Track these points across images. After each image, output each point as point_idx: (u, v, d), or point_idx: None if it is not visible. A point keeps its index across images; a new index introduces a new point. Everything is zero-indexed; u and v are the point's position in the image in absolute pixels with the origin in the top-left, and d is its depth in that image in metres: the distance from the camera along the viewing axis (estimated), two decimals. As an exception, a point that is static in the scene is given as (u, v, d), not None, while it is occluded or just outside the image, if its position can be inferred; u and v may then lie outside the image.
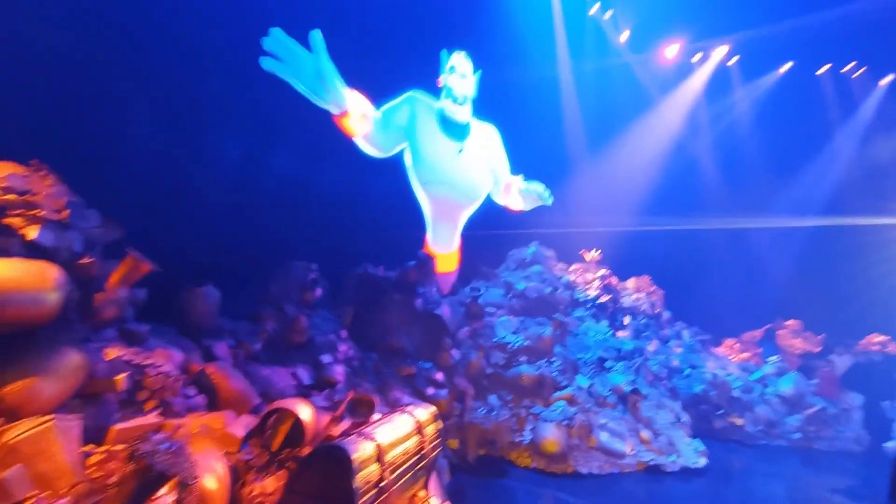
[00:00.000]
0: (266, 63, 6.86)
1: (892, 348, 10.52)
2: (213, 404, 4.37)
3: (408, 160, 9.04)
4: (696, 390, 9.26)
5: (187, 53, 6.98)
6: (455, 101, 8.74)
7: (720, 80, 13.23)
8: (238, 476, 3.38)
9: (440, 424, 4.04)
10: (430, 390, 6.52)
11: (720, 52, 13.00)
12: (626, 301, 10.65)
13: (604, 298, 10.33)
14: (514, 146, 10.45)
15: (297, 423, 3.80)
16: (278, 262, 7.12)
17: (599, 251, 11.23)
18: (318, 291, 6.81)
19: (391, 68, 8.67)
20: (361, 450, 3.15)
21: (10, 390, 2.79)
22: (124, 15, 6.38)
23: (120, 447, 3.00)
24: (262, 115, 8.03)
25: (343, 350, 6.58)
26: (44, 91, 5.73)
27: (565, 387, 7.29)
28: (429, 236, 9.53)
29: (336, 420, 4.40)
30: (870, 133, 13.13)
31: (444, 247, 9.41)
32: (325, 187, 9.22)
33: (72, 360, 3.05)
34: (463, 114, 8.95)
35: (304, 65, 7.13)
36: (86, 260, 3.39)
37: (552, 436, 6.71)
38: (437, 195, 9.28)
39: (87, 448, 2.85)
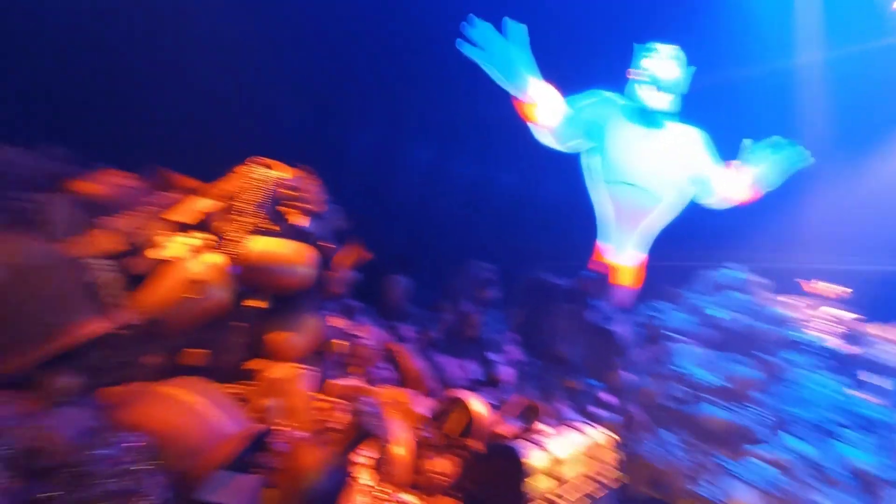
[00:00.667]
0: (465, 48, 6.89)
1: None
2: (400, 380, 4.98)
3: (595, 163, 8.35)
4: None
5: (395, 70, 8.10)
6: (659, 86, 7.56)
7: None
8: (419, 450, 3.76)
9: (620, 455, 3.74)
10: (596, 410, 6.11)
11: None
12: (873, 353, 8.03)
13: (834, 344, 8.01)
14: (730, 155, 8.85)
15: (471, 414, 4.02)
16: (459, 259, 7.68)
17: (832, 286, 8.76)
18: (492, 291, 7.09)
19: (581, 64, 8.34)
20: (535, 457, 3.14)
21: (274, 337, 3.67)
22: (354, 41, 7.69)
23: (338, 400, 3.66)
24: (449, 122, 8.77)
25: (510, 351, 6.72)
26: (298, 107, 7.41)
27: (766, 443, 5.93)
28: (606, 245, 8.79)
29: (503, 420, 4.51)
30: None
31: (625, 258, 8.46)
32: (505, 190, 9.54)
33: (314, 323, 3.86)
34: (660, 100, 7.70)
35: (498, 51, 6.98)
36: (328, 244, 4.24)
37: (744, 499, 5.54)
38: (623, 198, 8.29)
39: (318, 395, 3.56)
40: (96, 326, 2.76)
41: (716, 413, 6.31)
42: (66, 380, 2.56)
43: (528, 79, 7.60)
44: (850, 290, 8.60)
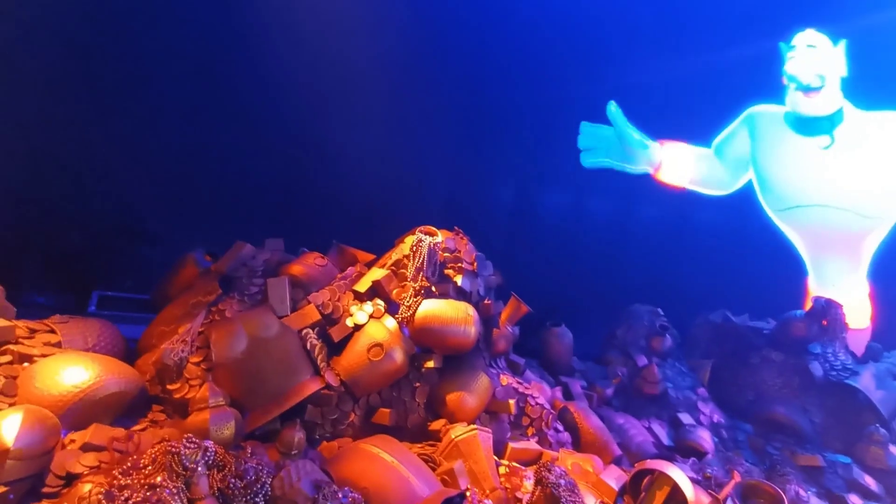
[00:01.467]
0: (584, 159, 7.35)
1: None
2: (576, 443, 4.49)
3: (757, 187, 7.24)
4: None
5: (534, 126, 8.26)
6: (804, 89, 6.33)
7: None
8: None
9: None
10: (856, 499, 4.52)
11: None
12: None
13: None
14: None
15: (678, 492, 3.33)
16: (619, 304, 6.98)
17: None
18: (668, 339, 6.15)
19: (724, 86, 7.35)
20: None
21: (450, 398, 3.70)
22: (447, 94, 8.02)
23: (519, 466, 3.44)
24: (582, 170, 8.42)
25: (705, 412, 5.59)
26: (443, 174, 7.95)
27: None
28: (811, 279, 7.09)
29: (718, 502, 3.64)
30: None
31: (839, 292, 6.67)
32: (659, 225, 8.57)
33: (484, 381, 3.81)
34: (822, 101, 6.34)
35: (608, 141, 7.25)
36: (487, 301, 4.25)
37: None
38: (806, 224, 6.84)
39: (499, 459, 3.40)
40: (313, 386, 3.18)
41: None
42: (298, 434, 2.95)
43: (648, 151, 7.25)
44: None
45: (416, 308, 3.74)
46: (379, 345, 3.49)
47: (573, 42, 7.67)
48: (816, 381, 5.38)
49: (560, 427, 4.40)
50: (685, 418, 5.33)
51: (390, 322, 3.66)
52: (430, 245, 3.87)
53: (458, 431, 3.39)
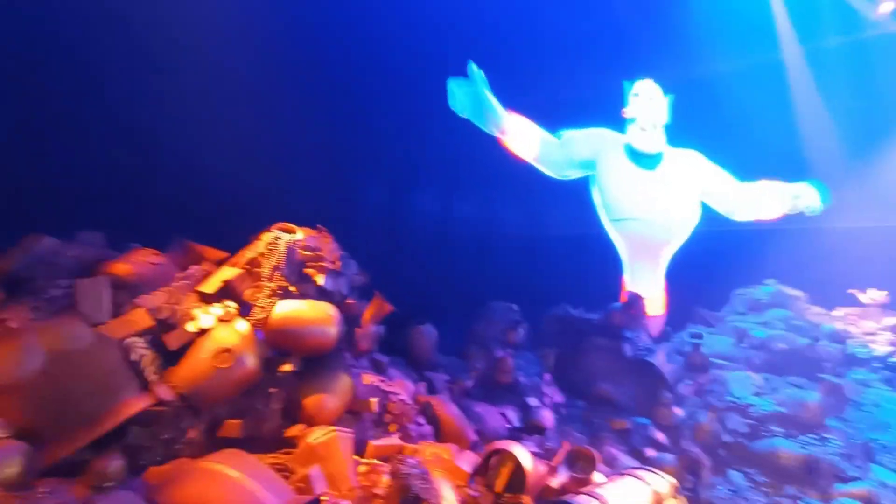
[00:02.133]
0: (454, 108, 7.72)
1: None
2: (438, 434, 4.73)
3: (596, 198, 8.68)
4: None
5: (400, 126, 8.48)
6: (642, 130, 8.09)
7: None
8: (468, 510, 3.48)
9: (684, 501, 3.40)
10: (651, 452, 5.67)
11: None
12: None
13: (901, 355, 7.43)
14: (729, 168, 8.87)
15: (519, 467, 3.75)
16: (481, 302, 7.57)
17: (885, 292, 8.28)
18: (521, 332, 6.88)
19: (575, 105, 8.65)
20: (596, 511, 2.86)
21: (309, 401, 3.57)
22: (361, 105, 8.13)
23: (378, 462, 3.48)
24: (455, 169, 9.01)
25: (549, 394, 6.39)
26: (311, 171, 7.71)
27: (855, 479, 5.33)
28: (626, 277, 8.73)
29: (553, 470, 4.20)
30: None
31: (645, 289, 8.43)
32: (518, 228, 9.58)
33: (345, 382, 3.76)
34: (652, 143, 8.18)
35: (465, 95, 7.81)
36: (350, 301, 4.22)
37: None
38: (631, 233, 8.52)
39: (356, 458, 3.39)
40: (138, 404, 2.74)
41: (787, 447, 5.76)
42: (113, 463, 2.51)
43: (498, 115, 8.10)
44: (886, 292, 8.16)
45: (272, 309, 3.52)
46: (228, 350, 3.19)
47: (440, 40, 8.06)
48: (626, 360, 6.59)
49: (422, 421, 4.58)
50: (532, 401, 6.02)
51: (242, 325, 3.38)
52: (288, 243, 3.69)
53: (317, 435, 3.29)
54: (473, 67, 7.62)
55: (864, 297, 8.36)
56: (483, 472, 3.90)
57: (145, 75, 5.85)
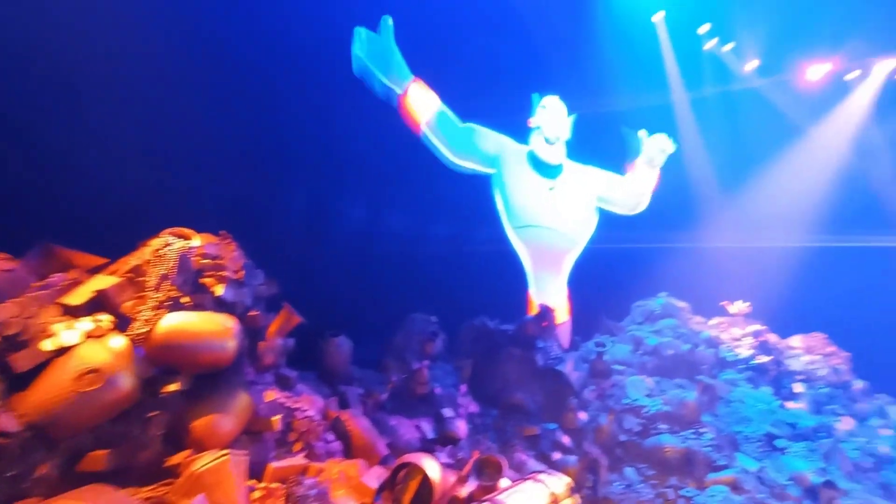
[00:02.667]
0: (354, 63, 7.52)
1: None
2: (348, 451, 4.57)
3: (499, 205, 9.01)
4: (925, 490, 6.93)
5: (320, 132, 8.24)
6: (547, 141, 8.70)
7: (893, 96, 11.09)
8: (372, 529, 3.38)
9: (578, 500, 3.61)
10: (557, 455, 5.97)
11: (885, 67, 11.02)
12: (795, 364, 8.78)
13: (762, 359, 8.67)
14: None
15: (426, 480, 3.73)
16: (399, 314, 7.53)
17: (748, 303, 9.63)
18: (438, 343, 6.93)
19: (484, 111, 9.03)
20: (496, 518, 2.93)
21: (198, 424, 3.25)
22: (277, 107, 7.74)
23: (276, 485, 3.25)
24: (379, 183, 8.95)
25: (464, 404, 6.49)
26: (220, 173, 7.19)
27: (724, 467, 6.07)
28: (532, 290, 9.16)
29: (462, 480, 4.24)
30: None
31: (549, 298, 8.97)
32: (438, 245, 9.71)
33: (243, 401, 3.49)
34: (554, 155, 8.82)
35: (373, 44, 7.66)
36: (253, 313, 3.95)
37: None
38: (533, 241, 8.98)
39: (251, 483, 3.14)
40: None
41: (671, 442, 6.41)
42: None
43: (405, 72, 7.94)
44: (749, 303, 9.55)
45: (158, 322, 3.17)
46: (95, 370, 2.80)
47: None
48: (538, 369, 6.92)
49: (331, 437, 4.40)
50: (447, 412, 6.06)
51: (117, 341, 2.99)
52: (181, 250, 3.36)
53: (204, 461, 3.00)
54: (388, 21, 7.53)
55: (732, 308, 9.67)
56: (391, 486, 3.83)
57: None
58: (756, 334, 9.01)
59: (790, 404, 7.89)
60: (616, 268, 10.43)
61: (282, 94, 7.56)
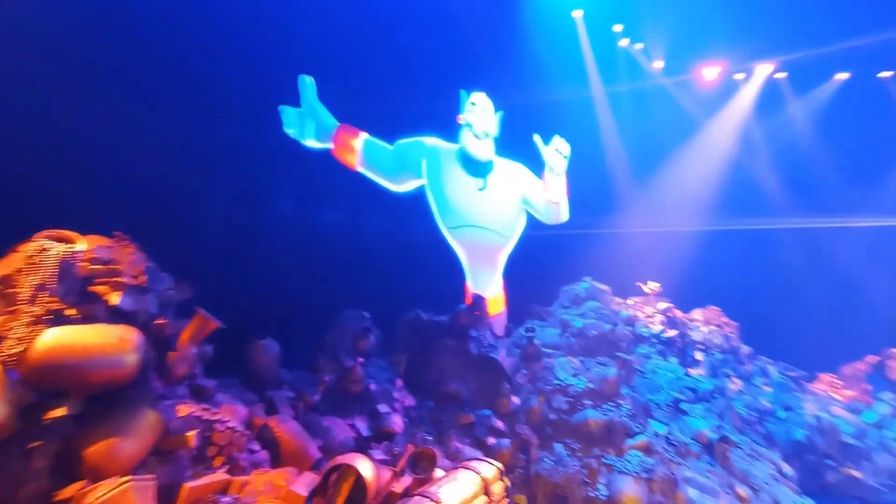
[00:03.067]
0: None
1: None
2: (276, 459, 4.36)
3: (433, 208, 9.16)
4: (798, 437, 8.11)
5: (240, 128, 7.69)
6: (476, 136, 8.89)
7: (772, 95, 12.64)
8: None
9: (507, 482, 3.75)
10: (491, 440, 6.17)
11: (765, 69, 12.52)
12: (696, 335, 9.81)
13: (670, 333, 9.57)
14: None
15: (359, 479, 3.67)
16: (333, 312, 7.28)
17: (658, 283, 10.57)
18: (372, 339, 6.82)
19: (411, 111, 9.00)
20: (428, 511, 2.95)
21: (93, 451, 2.90)
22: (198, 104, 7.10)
23: (191, 508, 3.01)
24: (308, 179, 8.56)
25: (400, 399, 6.46)
26: (129, 170, 6.46)
27: (639, 433, 6.64)
28: (469, 282, 9.40)
29: (397, 476, 4.23)
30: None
31: (486, 290, 9.26)
32: (371, 239, 9.50)
33: (149, 419, 3.17)
34: (484, 151, 9.05)
35: (300, 121, 8.04)
36: (160, 321, 3.59)
37: (631, 491, 6.04)
38: (467, 240, 9.24)
39: (161, 509, 2.88)
40: None
41: (594, 416, 6.87)
42: None
43: (329, 126, 8.15)
44: (659, 283, 10.53)
45: (36, 340, 2.76)
46: (-49, 401, 2.38)
47: (281, 40, 7.61)
48: (472, 358, 7.08)
49: (256, 447, 4.16)
50: (382, 408, 6.00)
51: (-21, 365, 2.57)
52: (62, 255, 2.94)
53: (102, 492, 2.68)
54: (307, 80, 7.88)
55: (646, 288, 10.56)
56: (322, 491, 3.72)
57: None
58: (665, 311, 9.93)
59: (692, 371, 8.84)
60: (544, 255, 10.90)
61: (198, 79, 6.91)
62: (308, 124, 8.00)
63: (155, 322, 3.61)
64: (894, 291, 11.52)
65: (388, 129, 8.75)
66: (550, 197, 9.34)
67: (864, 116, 11.93)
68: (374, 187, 8.59)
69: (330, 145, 8.26)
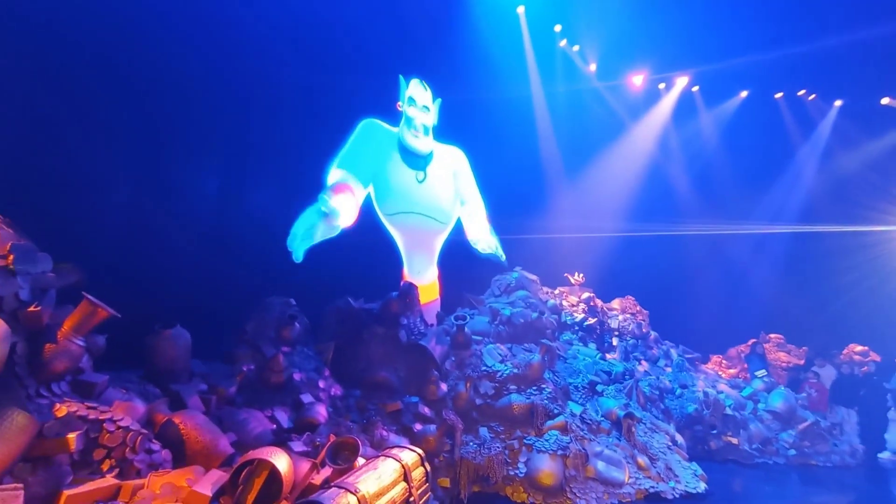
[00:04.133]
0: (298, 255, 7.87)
1: (872, 357, 10.64)
2: (181, 458, 4.02)
3: (371, 193, 9.02)
4: (690, 410, 9.10)
5: (155, 93, 6.90)
6: (415, 130, 8.87)
7: (687, 105, 13.81)
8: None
9: (428, 467, 3.78)
10: (418, 426, 6.20)
11: (682, 81, 13.62)
12: (613, 323, 10.57)
13: (590, 321, 10.21)
14: (487, 170, 10.58)
15: (274, 473, 3.49)
16: (256, 299, 6.84)
17: (582, 274, 11.21)
18: (297, 327, 6.51)
19: (348, 95, 8.69)
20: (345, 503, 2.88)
21: (-62, 461, 2.46)
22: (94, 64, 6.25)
23: (67, 518, 2.67)
24: (233, 155, 7.95)
25: (326, 388, 6.26)
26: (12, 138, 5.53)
27: (558, 414, 7.04)
28: (405, 269, 9.39)
29: (317, 467, 4.09)
30: (829, 148, 13.84)
31: (422, 277, 9.31)
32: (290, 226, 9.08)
33: (16, 421, 2.74)
34: (423, 144, 9.06)
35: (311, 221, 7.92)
36: (33, 308, 3.12)
37: (547, 468, 6.41)
38: (405, 226, 9.23)
39: (28, 523, 2.52)
40: None
41: (518, 399, 7.16)
42: None
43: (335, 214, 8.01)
44: (582, 274, 11.23)
45: None
46: None
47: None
48: (402, 345, 7.03)
49: (156, 446, 3.80)
50: (306, 398, 5.78)
51: None
52: None
53: (-52, 506, 2.29)
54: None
55: (572, 279, 11.16)
56: (232, 489, 3.49)
57: None
58: (587, 300, 10.57)
59: (608, 356, 9.52)
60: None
61: (107, 55, 6.06)
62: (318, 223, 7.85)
63: (28, 310, 3.12)
64: (770, 284, 13.26)
65: (326, 111, 8.35)
66: (473, 234, 9.73)
67: (759, 131, 13.50)
68: (299, 170, 8.14)
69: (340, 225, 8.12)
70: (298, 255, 7.85)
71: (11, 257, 2.98)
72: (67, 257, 4.03)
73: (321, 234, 8.06)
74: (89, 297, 3.52)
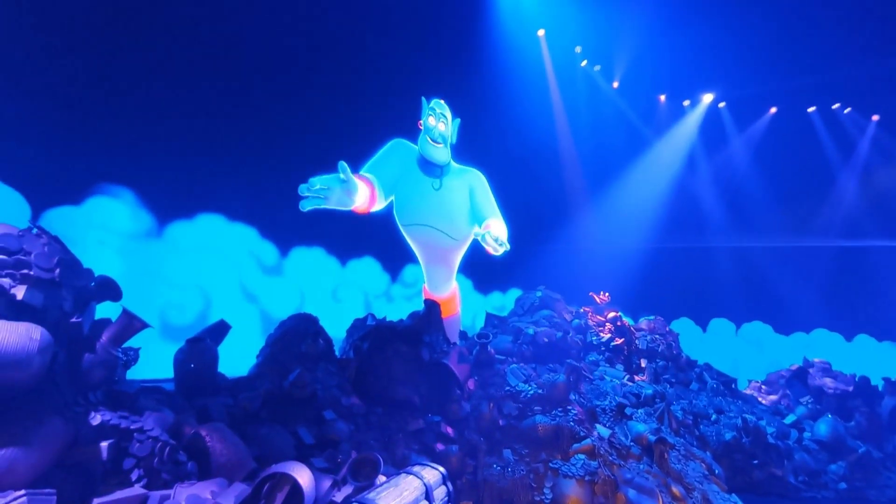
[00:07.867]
0: (304, 204, 7.47)
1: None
2: (206, 470, 4.07)
3: (392, 204, 9.17)
4: (727, 438, 8.60)
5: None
6: (433, 139, 9.02)
7: (712, 122, 13.60)
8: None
9: (450, 486, 3.70)
10: (440, 446, 6.08)
11: (707, 98, 13.47)
12: (641, 343, 10.21)
13: (617, 341, 9.91)
14: (508, 190, 10.59)
15: (295, 488, 3.49)
16: (280, 315, 6.99)
17: (608, 293, 10.97)
18: (321, 343, 6.58)
19: (377, 117, 8.98)
20: (364, 520, 2.84)
21: (-19, 465, 2.58)
22: None
23: (96, 526, 2.73)
24: (267, 178, 8.23)
25: (347, 405, 6.25)
26: None
27: (584, 437, 6.78)
28: (426, 285, 9.40)
29: (338, 484, 4.07)
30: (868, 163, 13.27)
31: (440, 291, 9.29)
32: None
33: (53, 428, 2.86)
34: (441, 153, 9.18)
35: (334, 189, 7.73)
36: (75, 319, 3.27)
37: (574, 494, 6.13)
38: (423, 238, 9.26)
39: (60, 528, 2.59)
40: None
41: (543, 421, 6.95)
42: None
43: (357, 193, 8.08)
44: (607, 293, 10.97)
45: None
46: None
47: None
48: (424, 364, 6.98)
49: (183, 458, 3.86)
50: (329, 415, 5.78)
51: None
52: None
53: (-11, 508, 2.38)
54: (343, 164, 7.65)
55: (597, 298, 10.91)
56: (254, 502, 3.50)
57: None
58: (614, 320, 10.28)
59: (637, 378, 9.17)
60: (505, 264, 11.05)
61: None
62: (344, 195, 7.84)
63: (71, 321, 3.28)
64: (814, 306, 12.59)
65: (350, 132, 8.66)
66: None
67: (792, 146, 13.10)
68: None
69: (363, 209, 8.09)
70: (304, 203, 7.45)
71: (58, 271, 3.15)
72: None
73: (335, 200, 7.76)
74: (128, 310, 3.67)
